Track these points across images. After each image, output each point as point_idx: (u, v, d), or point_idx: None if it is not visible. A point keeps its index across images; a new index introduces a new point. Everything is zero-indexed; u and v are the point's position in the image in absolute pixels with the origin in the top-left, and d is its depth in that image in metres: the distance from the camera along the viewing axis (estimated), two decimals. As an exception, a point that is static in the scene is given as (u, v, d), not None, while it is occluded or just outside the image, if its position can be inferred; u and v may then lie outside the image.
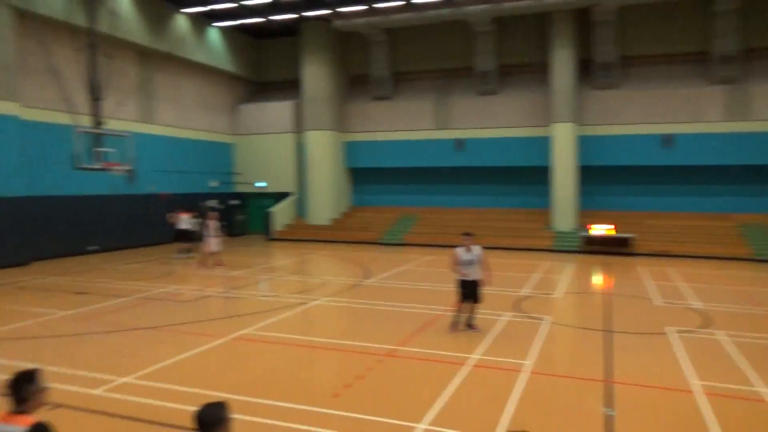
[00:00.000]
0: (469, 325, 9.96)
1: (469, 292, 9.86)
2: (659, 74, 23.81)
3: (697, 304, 12.47)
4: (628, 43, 24.07)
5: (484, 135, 25.71)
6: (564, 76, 23.47)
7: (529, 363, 8.12)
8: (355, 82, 28.72)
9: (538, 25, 24.89)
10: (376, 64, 27.37)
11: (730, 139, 22.30)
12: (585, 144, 23.95)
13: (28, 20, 17.28)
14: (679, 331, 10.00)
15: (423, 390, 7.04)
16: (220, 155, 28.37)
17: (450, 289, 13.89)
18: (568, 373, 7.96)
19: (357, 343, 9.19)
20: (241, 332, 9.78)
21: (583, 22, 23.97)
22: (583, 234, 22.24)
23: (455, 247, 10.18)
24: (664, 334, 9.86)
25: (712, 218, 22.92)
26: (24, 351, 8.72)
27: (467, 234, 10.12)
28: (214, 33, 26.58)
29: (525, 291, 13.98)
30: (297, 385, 7.30)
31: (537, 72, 25.32)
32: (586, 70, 24.32)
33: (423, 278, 15.75)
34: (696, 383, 7.32)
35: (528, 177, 25.70)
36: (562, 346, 9.59)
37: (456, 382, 7.30)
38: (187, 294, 13.31)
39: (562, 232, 23.43)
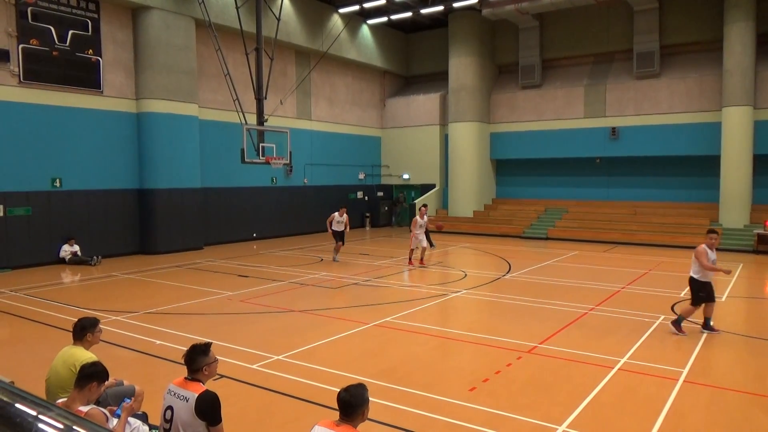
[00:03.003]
0: (707, 327, 9.44)
1: (708, 294, 9.35)
2: None
3: None
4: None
5: (641, 122, 23.81)
6: (740, 53, 20.85)
7: (685, 371, 7.48)
8: (503, 72, 28.17)
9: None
10: (524, 52, 26.57)
11: None
12: (762, 130, 21.15)
13: (206, 29, 19.38)
14: None
15: (564, 391, 6.82)
16: (368, 148, 29.52)
17: (595, 287, 13.24)
18: (731, 385, 7.20)
19: (496, 338, 9.13)
20: (384, 320, 10.19)
21: (766, -9, 21.14)
22: (758, 231, 19.73)
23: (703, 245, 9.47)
24: None
25: None
26: (198, 325, 9.92)
27: (713, 231, 9.50)
28: (365, 30, 27.64)
29: (684, 293, 12.79)
30: (435, 375, 7.46)
31: (707, 51, 22.84)
32: (766, 46, 21.41)
33: (567, 274, 15.10)
34: None
35: (692, 167, 23.37)
36: (726, 355, 8.67)
37: (601, 385, 6.96)
38: (335, 281, 14.13)
39: (731, 229, 20.99)
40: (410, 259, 16.86)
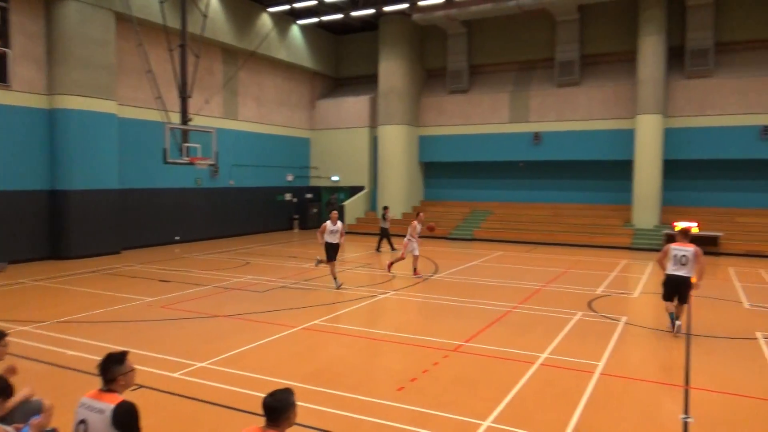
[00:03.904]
0: (679, 329, 9.42)
1: (675, 290, 9.43)
2: (759, 61, 22.08)
3: (794, 309, 11.58)
4: (725, 28, 22.44)
5: (562, 128, 24.92)
6: (652, 64, 22.26)
7: (601, 364, 7.86)
8: (432, 76, 28.65)
9: (626, 11, 23.69)
10: (452, 57, 27.17)
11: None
12: (671, 136, 22.66)
13: (127, 24, 18.50)
14: (770, 338, 9.33)
15: (489, 387, 6.98)
16: (297, 150, 29.19)
17: (517, 286, 13.71)
18: (643, 376, 7.63)
19: (424, 338, 9.24)
20: (312, 323, 10.07)
21: (675, 6, 22.65)
22: (666, 231, 21.11)
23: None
24: (755, 339, 9.24)
25: (815, 216, 21.10)
26: (114, 334, 9.41)
27: (684, 232, 9.68)
28: (295, 31, 27.32)
29: (600, 290, 13.49)
30: (363, 376, 7.45)
31: (623, 61, 24.22)
32: (677, 59, 22.98)
33: (491, 274, 15.54)
34: (786, 394, 6.83)
35: (608, 171, 24.69)
36: (638, 347, 9.19)
37: (523, 380, 7.19)
38: (262, 285, 13.84)
39: (642, 229, 22.35)
40: (390, 265, 15.56)
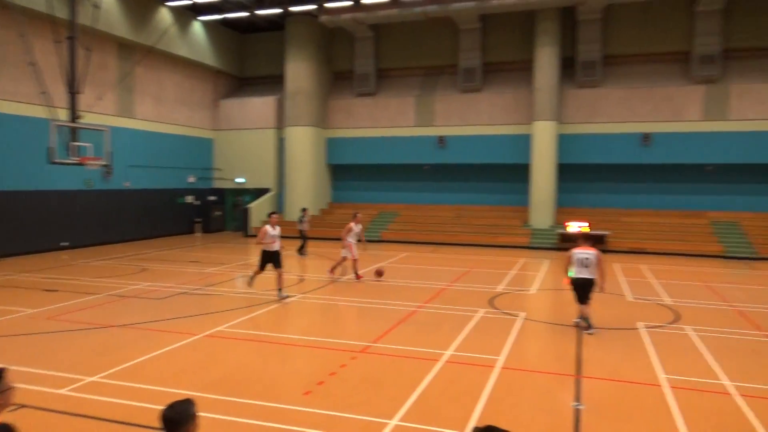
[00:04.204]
0: (579, 324, 9.90)
1: (582, 291, 9.81)
2: (641, 73, 24.06)
3: (668, 299, 12.68)
4: (612, 42, 24.28)
5: (466, 132, 25.80)
6: (547, 74, 23.62)
7: (501, 359, 8.19)
8: (339, 78, 28.64)
9: (524, 23, 24.97)
10: (360, 60, 27.34)
11: (708, 139, 22.64)
12: (565, 142, 24.16)
13: (8, 11, 16.93)
14: (649, 327, 10.17)
15: (396, 386, 7.06)
16: (199, 150, 28.11)
17: (423, 286, 14.01)
18: (540, 368, 8.04)
19: (331, 340, 9.19)
20: (215, 330, 9.71)
21: (567, 20, 24.16)
22: (560, 231, 22.47)
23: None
24: (636, 329, 10.01)
25: (685, 216, 23.31)
26: (-9, 349, 8.57)
27: (586, 236, 10.17)
28: (197, 27, 26.29)
29: (500, 287, 14.09)
30: (268, 382, 7.28)
31: (521, 70, 25.46)
32: (569, 69, 24.51)
33: (398, 275, 15.77)
34: (664, 377, 7.45)
35: (508, 174, 25.87)
36: (535, 341, 9.69)
37: (429, 378, 7.33)
38: (161, 291, 13.18)
39: (539, 230, 23.64)
40: (333, 269, 15.17)
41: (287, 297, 12.28)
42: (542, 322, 10.83)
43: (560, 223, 23.41)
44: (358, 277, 14.85)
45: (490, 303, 12.13)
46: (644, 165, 23.86)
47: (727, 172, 23.14)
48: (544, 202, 23.89)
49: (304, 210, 20.63)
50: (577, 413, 6.31)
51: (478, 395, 6.75)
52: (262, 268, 12.44)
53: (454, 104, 26.07)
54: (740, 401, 6.68)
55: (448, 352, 8.45)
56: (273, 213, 12.70)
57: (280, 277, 12.32)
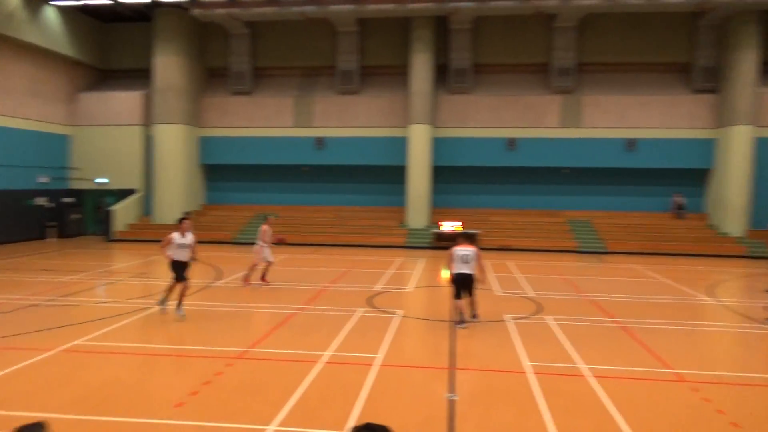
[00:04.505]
0: (473, 315, 10.57)
1: (464, 287, 10.29)
2: (507, 82, 25.75)
3: (531, 292, 13.68)
4: (481, 52, 25.73)
5: (344, 134, 25.99)
6: (422, 79, 24.46)
7: (380, 356, 8.32)
8: (213, 75, 27.53)
9: (400, 28, 25.67)
10: (236, 58, 26.49)
11: (564, 144, 24.79)
12: (439, 145, 25.19)
13: None
14: (515, 318, 10.88)
15: (274, 391, 6.90)
16: (53, 148, 25.61)
17: (303, 288, 13.89)
18: (417, 363, 8.29)
19: (205, 348, 8.79)
20: (72, 343, 8.87)
21: (441, 28, 25.17)
22: (434, 230, 23.39)
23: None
24: (503, 321, 10.66)
25: (545, 215, 25.35)
26: None
27: (466, 235, 10.70)
28: (51, 12, 23.90)
29: (378, 287, 14.34)
30: (135, 397, 6.77)
31: (397, 74, 26.12)
32: (443, 75, 25.56)
33: (277, 277, 15.47)
34: (528, 364, 8.00)
35: (385, 176, 26.44)
36: (412, 338, 9.97)
37: (308, 380, 7.26)
38: (6, 304, 11.81)
39: (415, 229, 24.43)
40: (248, 276, 14.25)
41: (184, 316, 10.65)
42: (419, 319, 11.17)
43: (435, 222, 24.36)
44: (264, 279, 14.28)
45: (369, 302, 12.30)
46: (510, 168, 25.58)
47: (581, 174, 25.49)
48: (420, 203, 24.75)
49: (186, 214, 19.52)
50: (452, 404, 6.58)
51: (357, 394, 6.80)
52: (177, 279, 10.78)
53: (332, 106, 26.15)
54: (593, 382, 7.35)
55: (328, 353, 8.43)
56: (184, 218, 10.94)
57: (184, 290, 10.77)
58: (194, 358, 8.33)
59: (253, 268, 14.27)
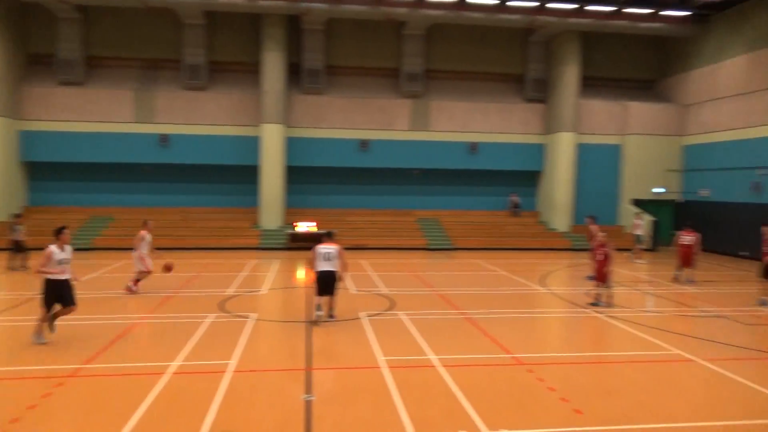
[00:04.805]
0: (330, 316, 10.58)
1: (327, 285, 10.34)
2: (359, 85, 26.17)
3: (385, 289, 14.06)
4: (334, 54, 25.85)
5: (192, 131, 24.63)
6: (274, 78, 23.96)
7: (233, 362, 7.98)
8: (36, 63, 24.48)
9: (251, 25, 24.90)
10: (65, 44, 23.82)
11: (414, 147, 25.85)
12: (293, 145, 24.91)
13: None
14: (370, 315, 11.09)
15: (114, 409, 6.29)
16: None
17: (147, 295, 12.92)
18: (272, 366, 8.08)
19: (30, 368, 7.79)
20: None
21: (294, 28, 24.87)
22: (289, 231, 23.12)
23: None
24: (359, 319, 10.81)
25: (397, 214, 26.26)
26: None
27: (329, 234, 10.83)
28: None
29: (231, 290, 13.81)
30: (-63, 430, 5.78)
31: (248, 72, 25.34)
32: (296, 75, 25.30)
33: (117, 285, 14.18)
34: (383, 359, 8.19)
35: (237, 176, 25.56)
36: (267, 341, 9.72)
37: (153, 394, 6.72)
38: None
39: (269, 230, 23.94)
40: (136, 283, 13.21)
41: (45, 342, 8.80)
42: (274, 321, 10.93)
43: (289, 223, 24.07)
44: (135, 285, 13.23)
45: (221, 307, 11.78)
46: (363, 169, 26.09)
47: (430, 176, 26.78)
48: (274, 204, 24.29)
49: (17, 216, 17.12)
50: (308, 405, 6.50)
51: (208, 404, 6.44)
52: (50, 308, 8.82)
53: (178, 101, 24.67)
54: (443, 371, 7.72)
55: (176, 363, 7.90)
56: (64, 227, 9.22)
57: (66, 313, 9.08)
58: (16, 380, 7.32)
59: (142, 275, 13.31)
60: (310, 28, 24.86)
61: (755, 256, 17.70)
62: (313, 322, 10.28)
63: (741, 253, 21.75)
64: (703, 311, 12.23)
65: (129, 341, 9.16)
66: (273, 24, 23.94)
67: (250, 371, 7.70)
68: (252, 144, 24.53)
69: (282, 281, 15.74)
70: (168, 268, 13.32)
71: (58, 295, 8.84)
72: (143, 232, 13.40)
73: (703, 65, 24.92)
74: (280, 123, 24.19)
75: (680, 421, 6.28)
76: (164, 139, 24.31)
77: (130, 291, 13.08)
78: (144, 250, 13.28)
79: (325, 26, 25.03)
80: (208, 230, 23.62)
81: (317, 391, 6.94)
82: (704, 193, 24.37)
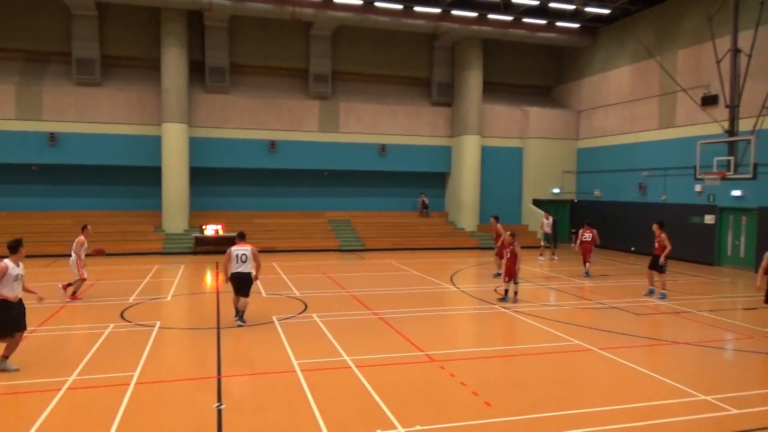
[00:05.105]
0: (241, 319, 10.38)
1: (241, 286, 10.34)
2: (267, 85, 25.63)
3: (297, 292, 13.86)
4: (239, 52, 25.13)
5: (84, 130, 23.00)
6: (176, 75, 22.90)
7: (136, 374, 7.52)
8: None
9: (149, 19, 23.65)
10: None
11: (324, 148, 25.68)
12: (196, 145, 23.95)
13: None
14: (282, 319, 10.88)
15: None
16: None
17: (38, 307, 11.89)
18: (180, 376, 7.70)
19: None
20: None
21: (195, 24, 23.92)
22: (195, 235, 22.22)
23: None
24: (272, 323, 10.57)
25: (308, 216, 26.00)
26: None
27: (241, 235, 10.82)
28: None
29: (133, 298, 13.04)
30: None
31: (147, 68, 24.09)
32: (199, 73, 24.35)
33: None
34: (296, 363, 8.05)
35: (138, 178, 24.21)
36: (173, 350, 9.26)
37: (45, 413, 6.18)
38: None
39: (173, 234, 22.88)
40: (75, 292, 12.83)
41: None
42: (180, 329, 10.44)
43: (195, 226, 23.13)
44: (72, 295, 12.81)
45: (122, 316, 11.08)
46: (272, 170, 25.58)
47: (340, 177, 26.74)
48: (178, 206, 23.22)
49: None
50: (219, 413, 6.26)
51: (110, 419, 6.02)
52: (8, 332, 7.60)
53: (67, 97, 22.95)
54: (357, 372, 7.71)
55: (71, 378, 7.32)
56: (19, 239, 8.04)
57: (19, 339, 7.82)
58: None
59: (77, 284, 12.86)
60: (213, 25, 24.06)
61: (644, 251, 19.21)
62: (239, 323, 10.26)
63: (632, 249, 23.51)
64: (599, 303, 13.10)
65: (15, 357, 8.37)
66: (173, 19, 22.89)
67: (156, 382, 7.29)
68: (153, 144, 23.32)
69: (188, 287, 15.08)
70: (100, 252, 13.63)
71: (15, 318, 7.65)
72: (82, 238, 12.99)
73: (593, 74, 26.77)
74: (182, 122, 23.18)
75: (584, 407, 6.66)
76: (53, 138, 22.54)
77: (75, 298, 12.76)
78: (82, 256, 12.87)
79: (229, 23, 24.31)
80: (106, 235, 22.08)
81: (228, 399, 6.70)
82: (597, 194, 26.16)
